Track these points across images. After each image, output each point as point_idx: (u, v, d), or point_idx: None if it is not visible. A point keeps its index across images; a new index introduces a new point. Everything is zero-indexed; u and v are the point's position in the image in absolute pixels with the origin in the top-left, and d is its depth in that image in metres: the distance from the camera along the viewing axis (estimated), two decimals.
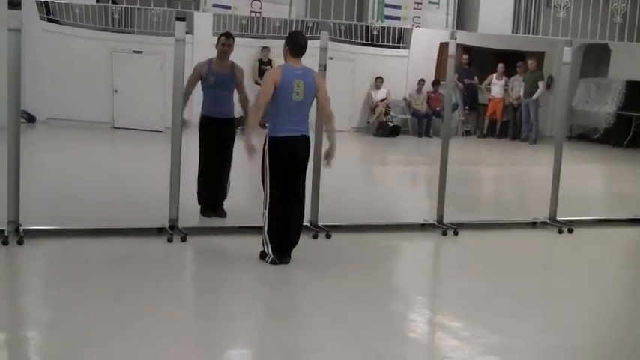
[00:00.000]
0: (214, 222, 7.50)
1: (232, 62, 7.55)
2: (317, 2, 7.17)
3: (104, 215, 7.40)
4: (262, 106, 6.13)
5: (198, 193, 7.62)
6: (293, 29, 16.66)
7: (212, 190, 7.62)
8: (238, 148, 7.71)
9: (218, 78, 7.43)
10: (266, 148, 6.19)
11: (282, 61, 6.34)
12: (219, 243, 7.05)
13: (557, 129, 9.08)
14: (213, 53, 7.63)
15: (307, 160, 6.36)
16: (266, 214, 6.21)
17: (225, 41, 7.47)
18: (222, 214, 7.63)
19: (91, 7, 15.34)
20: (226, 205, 7.71)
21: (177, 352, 4.43)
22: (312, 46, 6.56)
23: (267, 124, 6.31)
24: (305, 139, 6.26)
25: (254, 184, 7.53)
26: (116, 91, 14.98)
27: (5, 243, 6.28)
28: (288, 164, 6.21)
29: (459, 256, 7.32)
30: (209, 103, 7.53)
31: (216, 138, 7.48)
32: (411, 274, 6.75)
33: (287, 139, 6.17)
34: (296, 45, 6.20)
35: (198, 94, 7.60)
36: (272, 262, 6.21)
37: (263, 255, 6.27)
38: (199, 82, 7.51)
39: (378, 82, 17.25)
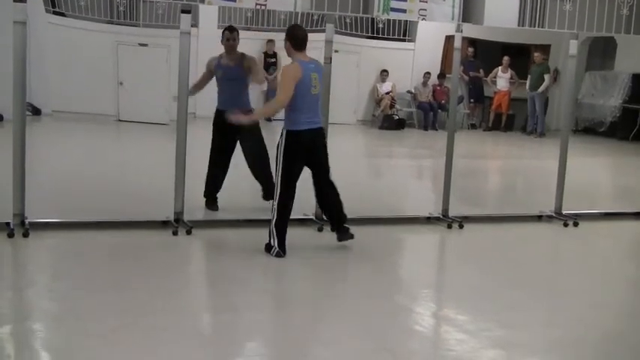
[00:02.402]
0: (219, 215, 7.51)
1: (242, 54, 7.52)
2: None
3: (109, 208, 7.41)
4: (285, 103, 6.13)
5: (206, 184, 7.60)
6: (298, 22, 16.70)
7: (218, 182, 7.61)
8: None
9: (226, 72, 7.43)
10: (283, 141, 6.20)
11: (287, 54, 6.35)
12: (225, 236, 7.05)
13: (563, 122, 9.05)
14: (218, 45, 7.61)
15: (327, 148, 6.44)
16: (275, 206, 6.22)
17: (230, 35, 7.43)
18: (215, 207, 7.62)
19: None
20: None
21: (183, 344, 4.43)
22: (318, 38, 6.57)
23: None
24: (322, 130, 6.40)
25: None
26: (121, 83, 14.98)
27: (11, 235, 6.29)
28: (311, 156, 6.28)
29: (465, 249, 7.31)
30: (221, 96, 7.56)
31: (228, 131, 7.45)
32: (417, 267, 6.75)
33: (307, 132, 6.23)
34: (297, 39, 6.23)
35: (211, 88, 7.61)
36: (277, 255, 6.21)
37: (268, 248, 6.28)
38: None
39: (384, 75, 17.23)
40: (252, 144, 7.52)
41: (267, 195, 7.40)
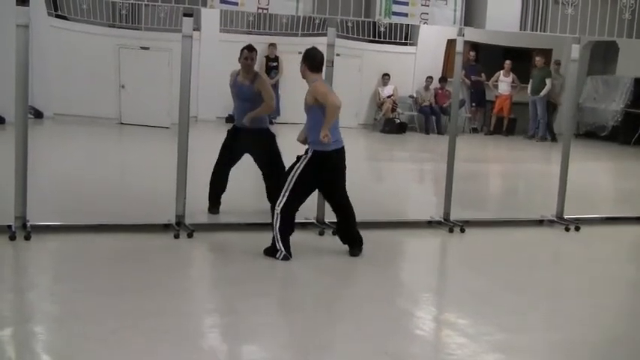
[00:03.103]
0: (221, 218, 7.51)
1: (256, 73, 7.56)
2: None
3: (111, 211, 7.42)
4: (339, 106, 6.21)
5: (210, 188, 7.63)
6: (300, 25, 16.72)
7: (222, 187, 7.61)
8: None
9: (239, 90, 7.48)
10: (307, 159, 6.26)
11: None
12: (226, 239, 7.05)
13: (565, 126, 9.05)
14: (220, 49, 7.62)
15: (345, 168, 6.52)
16: (279, 212, 6.24)
17: (248, 54, 7.42)
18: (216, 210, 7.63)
19: (99, 3, 15.38)
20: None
21: (184, 347, 4.43)
22: (320, 42, 6.58)
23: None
24: (344, 149, 6.45)
25: (260, 181, 7.55)
26: (123, 87, 14.99)
27: (12, 238, 6.29)
28: (332, 175, 6.39)
29: (466, 253, 7.31)
30: (236, 112, 7.63)
31: (237, 146, 7.46)
32: (418, 271, 6.74)
33: (335, 152, 6.32)
34: (315, 61, 6.33)
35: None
36: (284, 259, 6.22)
37: (271, 252, 6.28)
38: None
39: (385, 78, 17.24)
40: (266, 158, 7.50)
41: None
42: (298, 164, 6.28)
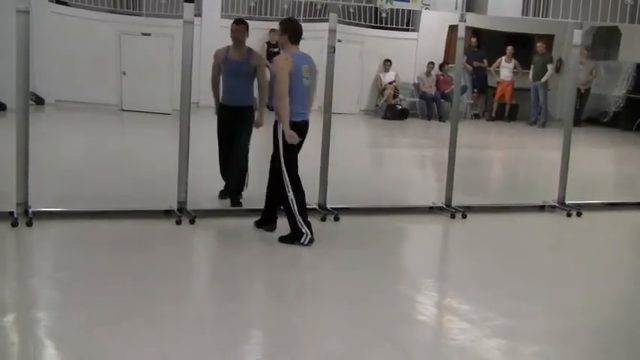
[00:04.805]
0: (223, 204, 7.51)
1: (249, 49, 7.49)
2: None
3: (113, 197, 7.43)
4: (285, 94, 6.14)
5: (223, 178, 7.65)
6: (302, 11, 16.66)
7: (227, 175, 7.61)
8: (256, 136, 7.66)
9: (232, 65, 7.38)
10: (281, 138, 6.23)
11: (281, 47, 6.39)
12: (228, 225, 7.06)
13: (566, 112, 9.03)
14: (221, 35, 7.59)
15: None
16: (292, 198, 6.25)
17: (236, 27, 7.37)
18: (237, 203, 7.53)
19: None
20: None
21: (187, 333, 4.44)
22: (321, 28, 6.57)
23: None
24: (307, 124, 6.42)
25: (263, 167, 7.55)
26: (124, 73, 14.98)
27: (14, 225, 6.31)
28: (298, 146, 6.35)
29: (467, 239, 7.32)
30: (224, 90, 7.51)
31: (230, 125, 7.43)
32: (420, 256, 6.75)
33: (301, 123, 6.29)
34: (295, 32, 6.33)
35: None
36: (310, 242, 6.26)
37: (290, 238, 6.30)
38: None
39: (387, 64, 17.22)
40: (242, 144, 7.45)
41: (234, 199, 7.47)
42: (281, 148, 6.23)
